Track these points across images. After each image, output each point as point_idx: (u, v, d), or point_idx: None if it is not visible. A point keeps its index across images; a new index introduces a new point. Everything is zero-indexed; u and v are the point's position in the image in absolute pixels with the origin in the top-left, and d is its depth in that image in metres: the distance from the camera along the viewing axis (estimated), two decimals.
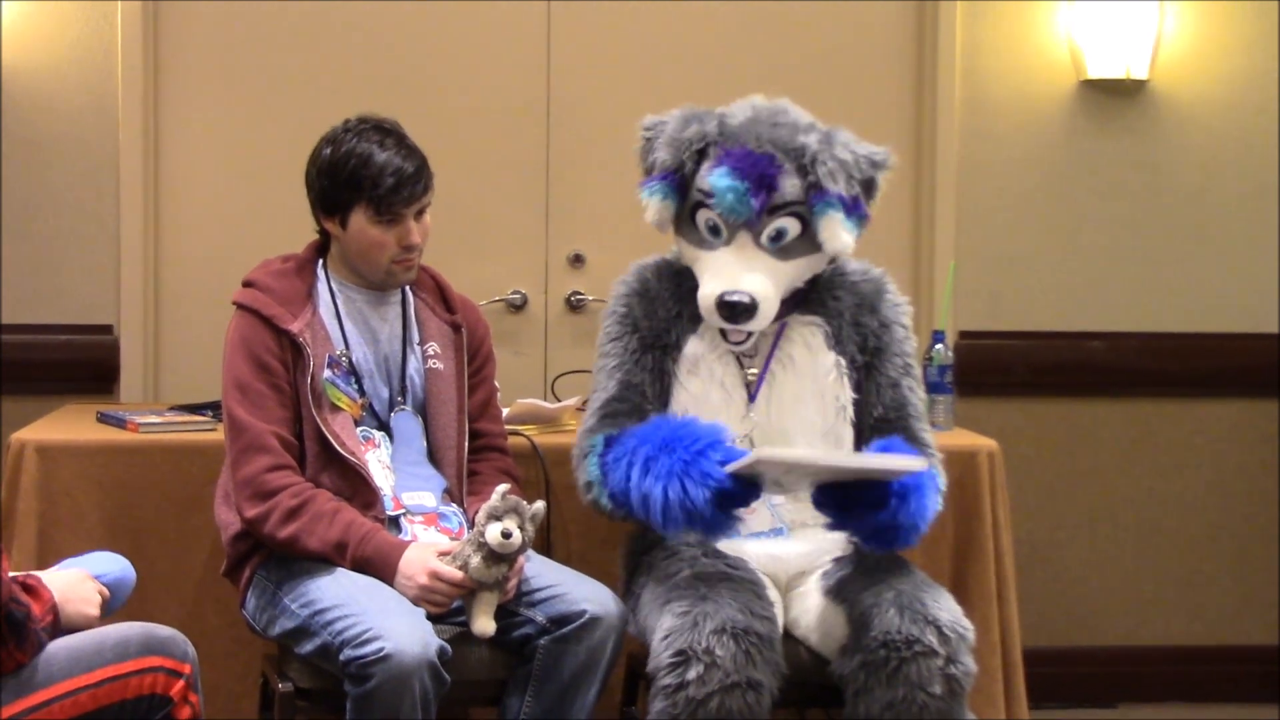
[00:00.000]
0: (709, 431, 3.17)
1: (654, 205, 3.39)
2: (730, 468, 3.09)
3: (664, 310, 3.43)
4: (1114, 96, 4.78)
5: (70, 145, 4.48)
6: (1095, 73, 4.72)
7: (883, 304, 3.46)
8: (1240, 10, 4.79)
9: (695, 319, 3.41)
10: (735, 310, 3.29)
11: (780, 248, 3.33)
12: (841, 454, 3.33)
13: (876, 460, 3.24)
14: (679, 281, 3.46)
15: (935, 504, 3.30)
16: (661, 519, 3.16)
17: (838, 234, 3.29)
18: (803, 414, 3.38)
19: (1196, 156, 4.83)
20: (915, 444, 3.36)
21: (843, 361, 3.41)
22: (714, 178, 3.32)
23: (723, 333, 3.37)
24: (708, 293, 3.32)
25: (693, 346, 3.41)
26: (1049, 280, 4.81)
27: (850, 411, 3.42)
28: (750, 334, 3.36)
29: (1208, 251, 4.85)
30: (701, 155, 3.37)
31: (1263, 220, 4.85)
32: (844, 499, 3.16)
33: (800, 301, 3.43)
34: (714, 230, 3.36)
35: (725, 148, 3.34)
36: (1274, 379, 4.86)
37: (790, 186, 3.31)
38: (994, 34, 4.74)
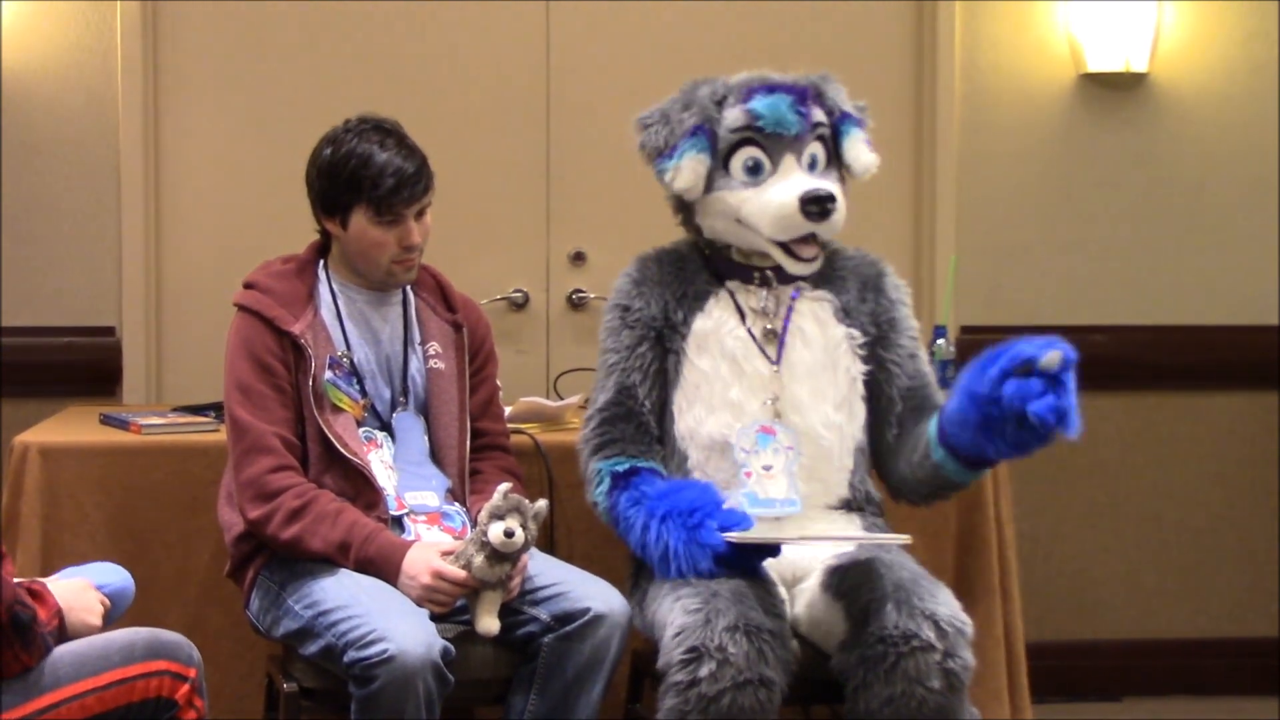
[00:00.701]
0: (704, 497, 3.24)
1: (688, 163, 3.36)
2: (729, 537, 3.17)
3: (668, 292, 3.43)
4: (1114, 90, 4.78)
5: (70, 147, 4.48)
6: (1095, 66, 4.72)
7: (886, 285, 3.50)
8: (1239, 3, 4.79)
9: (702, 296, 3.42)
10: (821, 201, 3.29)
11: (817, 174, 3.38)
12: (828, 532, 3.35)
13: (865, 535, 3.29)
14: (682, 265, 3.47)
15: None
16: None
17: (863, 152, 3.40)
18: (816, 386, 3.39)
19: (1196, 149, 4.83)
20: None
21: (854, 334, 3.43)
22: (755, 102, 3.35)
23: (792, 254, 3.36)
24: (784, 201, 3.31)
25: (700, 323, 3.41)
26: (1050, 274, 4.81)
27: (861, 385, 3.43)
28: (820, 250, 3.37)
29: (1208, 244, 4.86)
30: (719, 108, 3.39)
31: (1263, 213, 4.85)
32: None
33: (807, 274, 3.45)
34: (754, 169, 3.36)
35: (746, 87, 3.38)
36: (1275, 371, 4.86)
37: (816, 108, 3.39)
38: (994, 27, 4.74)
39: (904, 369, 3.44)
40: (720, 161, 3.38)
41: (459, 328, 3.56)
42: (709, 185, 3.39)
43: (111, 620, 2.97)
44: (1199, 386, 4.88)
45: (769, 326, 3.41)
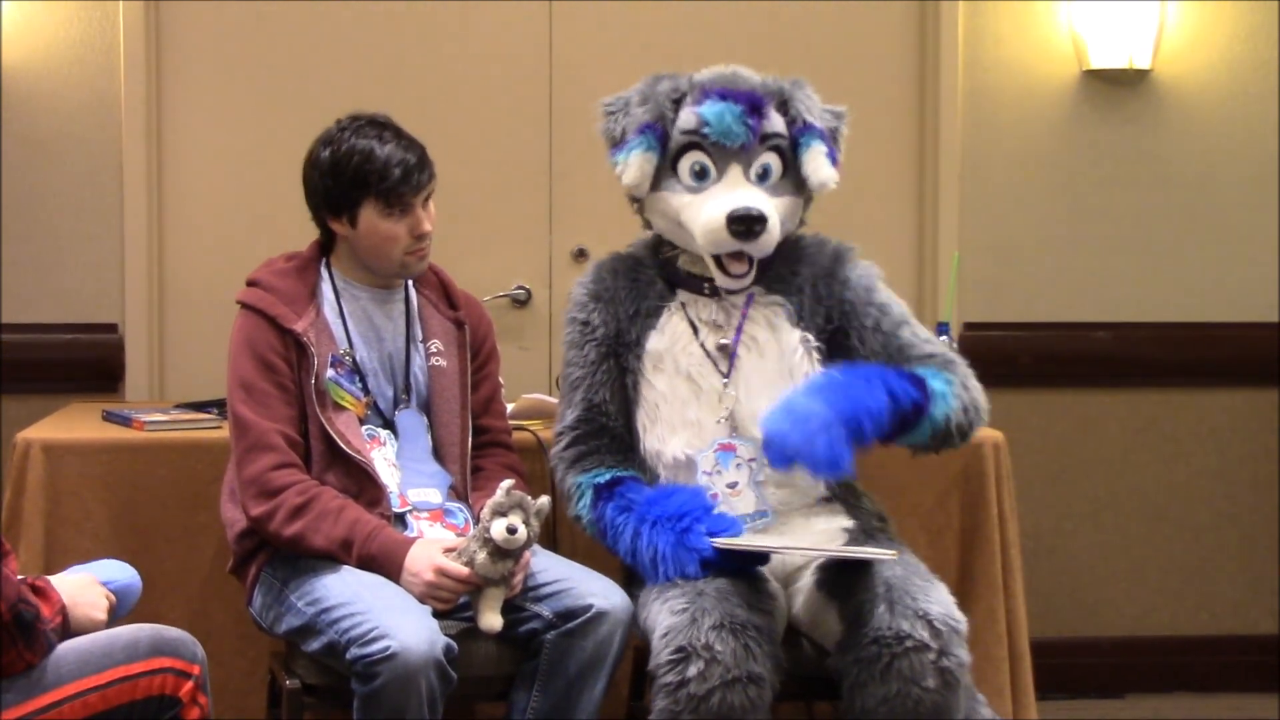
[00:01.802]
0: (693, 502, 3.24)
1: (635, 160, 3.34)
2: (718, 543, 3.17)
3: (622, 310, 3.41)
4: (1117, 86, 4.78)
5: (73, 144, 4.48)
6: (1098, 63, 4.72)
7: (841, 271, 3.42)
8: (1242, 1, 4.79)
9: (655, 311, 3.40)
10: (750, 223, 3.25)
11: (766, 186, 3.34)
12: (814, 546, 3.32)
13: (848, 551, 3.26)
14: (636, 275, 3.44)
15: (957, 405, 3.28)
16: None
17: (821, 166, 3.32)
18: (772, 395, 3.31)
19: (1199, 146, 4.82)
20: (921, 374, 3.29)
21: (809, 338, 3.38)
22: (704, 107, 3.31)
23: (722, 268, 3.33)
24: (712, 215, 3.28)
25: (654, 342, 3.39)
26: (1052, 271, 4.81)
27: None
28: (750, 267, 3.33)
29: (1210, 241, 4.85)
30: (677, 106, 3.36)
31: (1265, 210, 4.85)
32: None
33: (763, 273, 3.41)
34: (700, 174, 3.33)
35: (704, 89, 3.34)
36: (1277, 368, 4.86)
37: (775, 117, 3.34)
38: (996, 24, 4.74)
39: (868, 345, 3.37)
40: (669, 161, 3.36)
41: (461, 325, 3.56)
42: (657, 183, 3.37)
43: (118, 617, 2.97)
44: (1201, 383, 4.88)
45: (721, 341, 3.38)
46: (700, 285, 3.42)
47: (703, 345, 3.38)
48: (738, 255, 3.32)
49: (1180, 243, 4.84)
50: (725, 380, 3.37)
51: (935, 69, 4.72)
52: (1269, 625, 4.92)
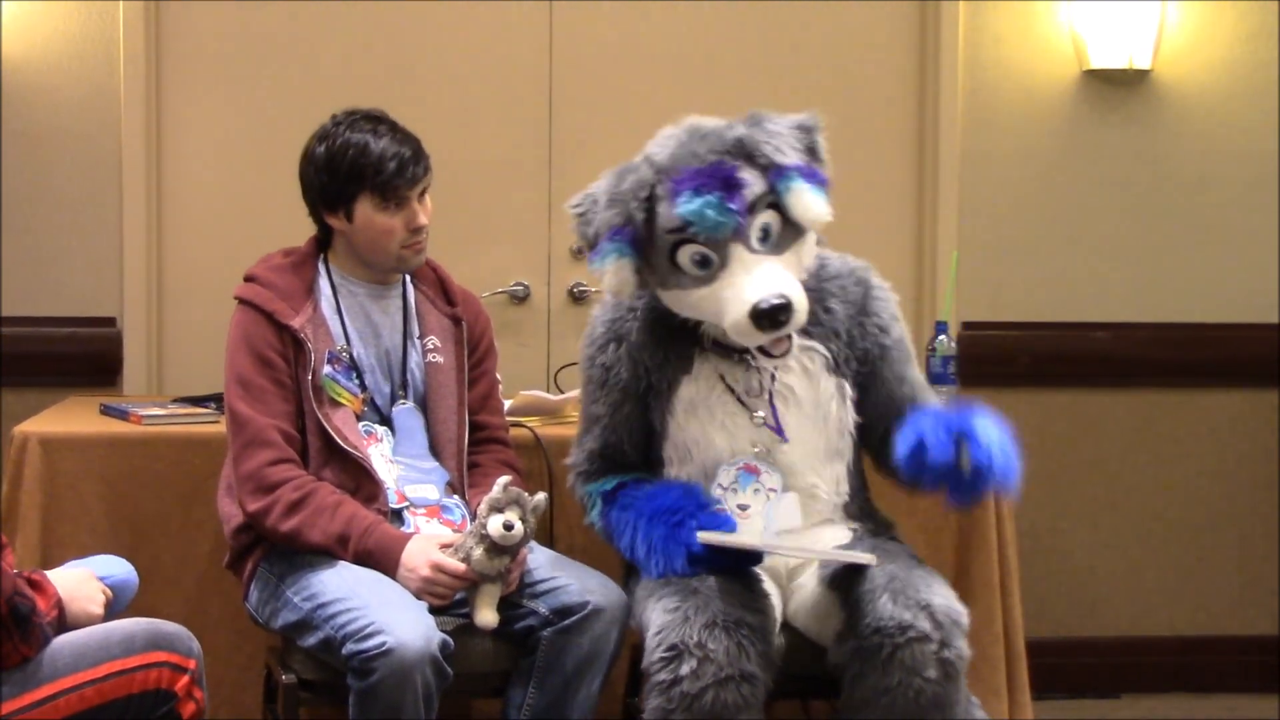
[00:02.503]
0: (689, 498, 3.24)
1: (610, 267, 3.20)
2: (704, 537, 3.16)
3: (649, 357, 3.33)
4: (1116, 87, 4.77)
5: (72, 138, 4.48)
6: (1098, 63, 4.71)
7: (872, 303, 3.37)
8: (1242, 1, 4.79)
9: (686, 359, 3.32)
10: (775, 315, 3.12)
11: (771, 245, 3.20)
12: (796, 545, 3.30)
13: (833, 553, 3.25)
14: (657, 321, 3.34)
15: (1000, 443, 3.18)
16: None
17: (809, 204, 3.17)
18: (808, 446, 3.31)
19: (1199, 147, 4.82)
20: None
21: (845, 385, 3.34)
22: (680, 207, 3.14)
23: (763, 351, 3.27)
24: (737, 314, 3.14)
25: (687, 390, 3.32)
26: (1051, 271, 4.81)
27: (854, 433, 3.37)
28: (790, 339, 3.28)
29: (1209, 241, 4.85)
30: (650, 202, 3.20)
31: (1264, 210, 4.85)
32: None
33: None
34: (703, 263, 3.18)
35: (671, 179, 3.18)
36: (1275, 369, 4.86)
37: (752, 179, 3.16)
38: (996, 24, 4.73)
39: (886, 381, 3.36)
40: (666, 259, 3.21)
41: (458, 321, 3.56)
42: (662, 281, 3.24)
43: (114, 613, 2.97)
44: (1199, 384, 4.88)
45: (758, 414, 3.30)
46: (729, 352, 3.33)
47: (739, 399, 3.31)
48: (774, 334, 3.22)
49: (1179, 243, 4.84)
50: (761, 422, 3.30)
51: (935, 68, 4.72)
52: (1266, 626, 4.92)
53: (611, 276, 3.22)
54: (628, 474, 3.39)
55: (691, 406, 3.31)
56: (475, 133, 4.60)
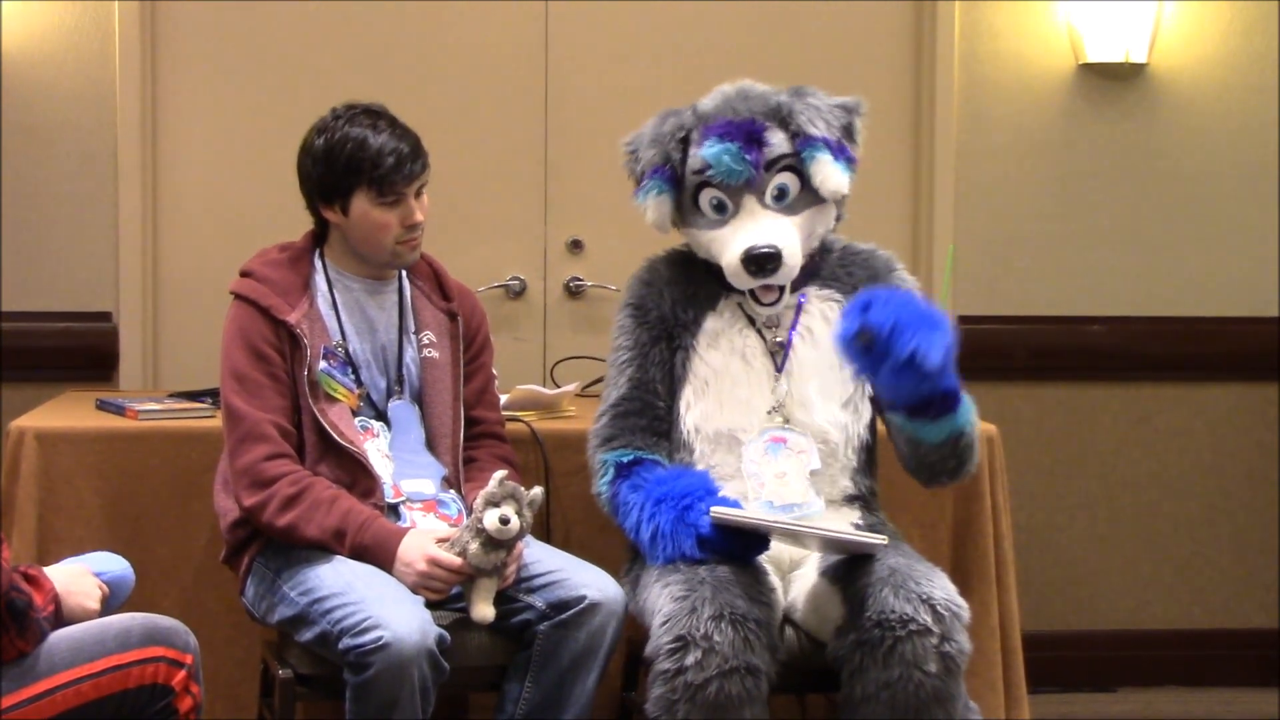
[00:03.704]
0: (699, 483, 3.28)
1: (651, 203, 3.46)
2: (715, 512, 3.19)
3: (679, 291, 3.49)
4: (1113, 80, 4.77)
5: (68, 132, 4.47)
6: (1094, 56, 4.71)
7: (893, 279, 3.52)
8: None
9: (712, 297, 3.47)
10: (762, 261, 3.34)
11: (785, 205, 3.40)
12: (810, 523, 3.32)
13: (842, 534, 3.26)
14: (690, 266, 3.52)
15: (972, 432, 3.30)
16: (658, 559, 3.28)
17: (830, 175, 3.39)
18: (823, 384, 3.42)
19: (1195, 140, 4.82)
20: None
21: None
22: (704, 149, 3.39)
23: (754, 298, 3.41)
24: (731, 256, 3.37)
25: (712, 322, 3.46)
26: (1048, 264, 4.81)
27: (867, 384, 3.43)
28: (781, 292, 3.41)
29: (1207, 235, 4.85)
30: (685, 144, 3.44)
31: (1261, 204, 4.85)
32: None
33: (815, 274, 3.49)
34: (719, 207, 3.41)
35: (705, 125, 3.42)
36: (1273, 363, 4.86)
37: (778, 140, 3.40)
38: (993, 17, 4.73)
39: None
40: (690, 199, 3.45)
41: (454, 316, 3.56)
42: (685, 219, 3.47)
43: (111, 609, 2.97)
44: (1197, 378, 4.88)
45: (776, 339, 3.45)
46: (750, 293, 3.47)
47: (759, 332, 3.45)
48: (765, 287, 3.40)
49: (1176, 236, 4.84)
50: (778, 373, 3.43)
51: (932, 62, 4.72)
52: (1263, 619, 4.92)
53: (652, 211, 3.46)
54: (647, 443, 3.42)
55: (714, 337, 3.45)
56: (471, 128, 4.59)
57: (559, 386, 4.08)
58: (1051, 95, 4.77)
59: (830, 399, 3.42)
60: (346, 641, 3.09)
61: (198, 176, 4.56)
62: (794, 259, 3.38)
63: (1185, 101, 4.80)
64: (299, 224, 3.53)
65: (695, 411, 3.42)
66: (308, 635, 3.23)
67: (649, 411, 3.44)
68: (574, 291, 4.67)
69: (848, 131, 3.47)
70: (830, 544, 3.27)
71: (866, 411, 3.46)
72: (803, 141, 3.40)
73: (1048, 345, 4.82)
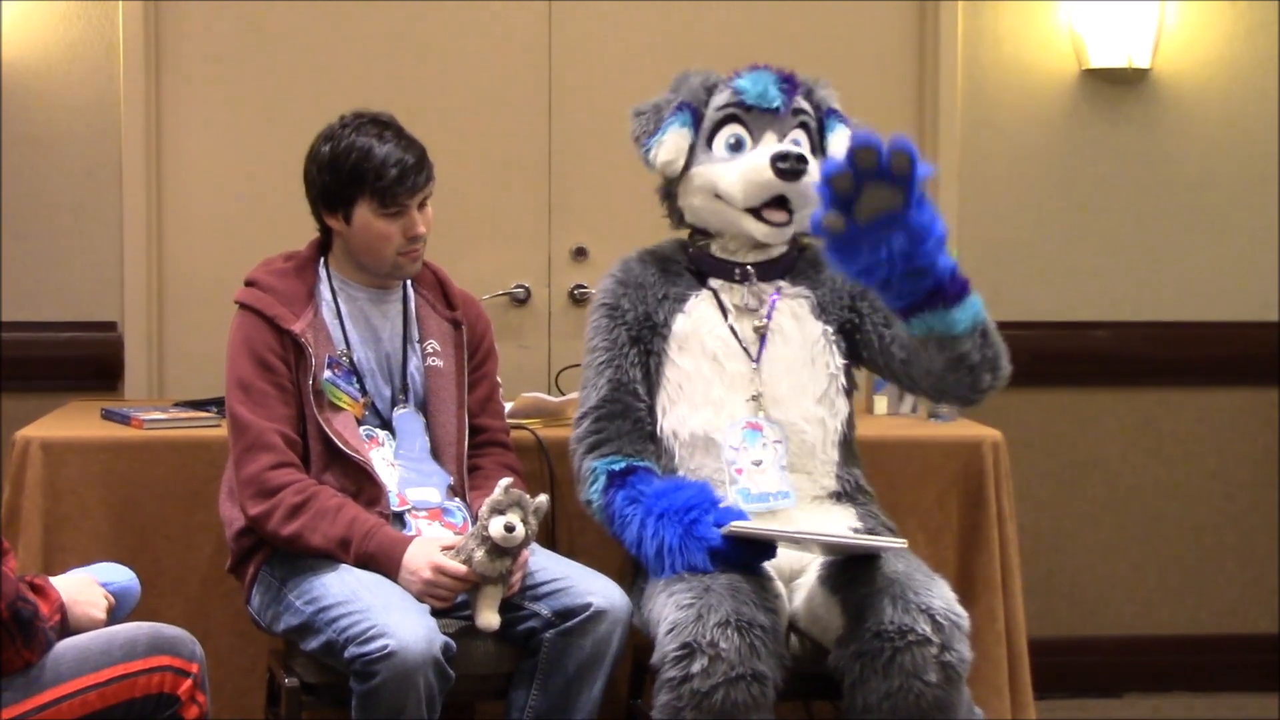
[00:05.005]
0: (701, 496, 3.26)
1: (671, 136, 3.44)
2: (733, 527, 3.18)
3: (650, 294, 3.48)
4: (1116, 86, 4.78)
5: (72, 142, 4.48)
6: (1097, 62, 4.72)
7: None
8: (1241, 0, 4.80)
9: (682, 299, 3.46)
10: (791, 160, 3.35)
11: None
12: (826, 532, 3.33)
13: (859, 539, 3.28)
14: (664, 266, 3.52)
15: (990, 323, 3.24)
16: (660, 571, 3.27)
17: (844, 147, 3.33)
18: (797, 380, 3.43)
19: (1198, 146, 4.82)
20: None
21: (829, 330, 3.47)
22: (740, 80, 3.45)
23: (759, 217, 3.40)
24: (754, 162, 3.38)
25: (681, 324, 3.45)
26: (1051, 270, 4.81)
27: (842, 379, 3.48)
28: (790, 217, 3.41)
29: (1210, 240, 4.85)
30: (709, 94, 3.48)
31: (1264, 209, 4.85)
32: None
33: (788, 270, 3.50)
34: (736, 146, 3.44)
35: (736, 72, 3.49)
36: (1276, 367, 4.86)
37: (804, 104, 3.48)
38: (996, 23, 4.74)
39: (883, 338, 3.44)
40: (705, 140, 3.45)
41: (458, 325, 3.56)
42: (691, 163, 3.46)
43: (117, 619, 2.97)
44: (1200, 382, 4.88)
45: (756, 324, 3.45)
46: (732, 271, 3.48)
47: (732, 328, 3.44)
48: (778, 203, 3.40)
49: (1179, 242, 4.84)
50: (755, 363, 3.43)
51: (935, 68, 4.73)
52: (1268, 624, 4.92)
53: (669, 145, 3.43)
54: (633, 449, 3.41)
55: (684, 340, 3.44)
56: (476, 136, 4.60)
57: (563, 394, 4.08)
58: (1054, 101, 4.78)
59: (803, 395, 3.43)
60: (352, 650, 3.09)
61: (202, 185, 4.57)
62: (811, 191, 3.28)
63: (1188, 107, 4.81)
64: (303, 233, 3.53)
65: (671, 416, 3.42)
66: (313, 644, 3.23)
67: (631, 414, 3.43)
68: (578, 299, 4.67)
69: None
70: (847, 550, 3.27)
71: (844, 407, 3.47)
72: (827, 112, 3.48)
73: (1051, 350, 4.82)
